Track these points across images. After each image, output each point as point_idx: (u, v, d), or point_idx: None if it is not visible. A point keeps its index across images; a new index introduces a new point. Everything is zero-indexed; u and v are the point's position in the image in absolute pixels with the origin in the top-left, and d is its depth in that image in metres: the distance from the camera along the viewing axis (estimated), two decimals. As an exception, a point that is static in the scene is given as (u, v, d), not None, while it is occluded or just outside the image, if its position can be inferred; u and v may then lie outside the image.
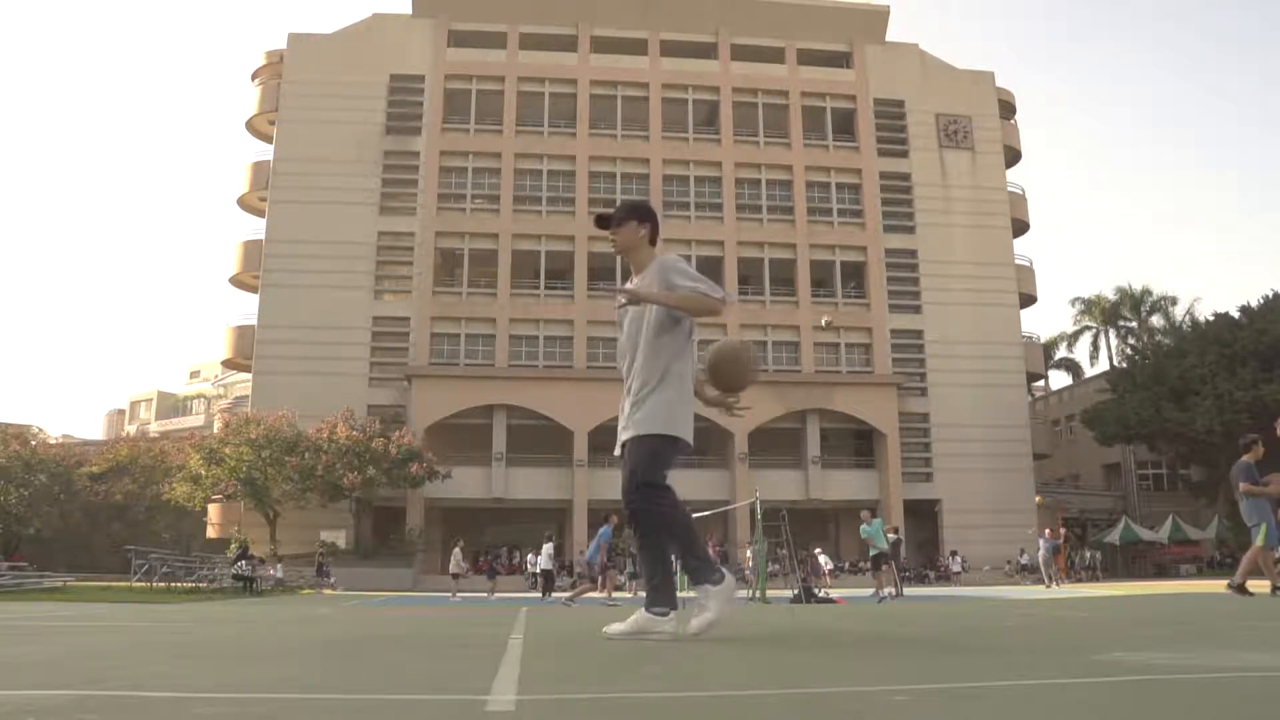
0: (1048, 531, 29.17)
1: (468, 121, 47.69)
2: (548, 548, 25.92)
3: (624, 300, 4.36)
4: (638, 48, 48.97)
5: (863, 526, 18.46)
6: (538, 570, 35.71)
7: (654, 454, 4.25)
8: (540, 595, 23.85)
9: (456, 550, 28.94)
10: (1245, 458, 11.00)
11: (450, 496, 41.37)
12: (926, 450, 45.80)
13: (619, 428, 4.43)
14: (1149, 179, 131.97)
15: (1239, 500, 10.94)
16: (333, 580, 33.92)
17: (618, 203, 4.72)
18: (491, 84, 47.77)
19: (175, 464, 42.31)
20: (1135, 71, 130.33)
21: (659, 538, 4.32)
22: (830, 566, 32.69)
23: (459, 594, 26.00)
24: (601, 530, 18.48)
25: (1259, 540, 10.52)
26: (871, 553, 17.98)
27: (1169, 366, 42.25)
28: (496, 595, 26.31)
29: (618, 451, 4.42)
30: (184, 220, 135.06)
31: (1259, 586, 10.70)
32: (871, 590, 22.77)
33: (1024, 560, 39.52)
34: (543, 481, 42.87)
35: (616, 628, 4.31)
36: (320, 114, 45.59)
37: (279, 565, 32.14)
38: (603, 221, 4.60)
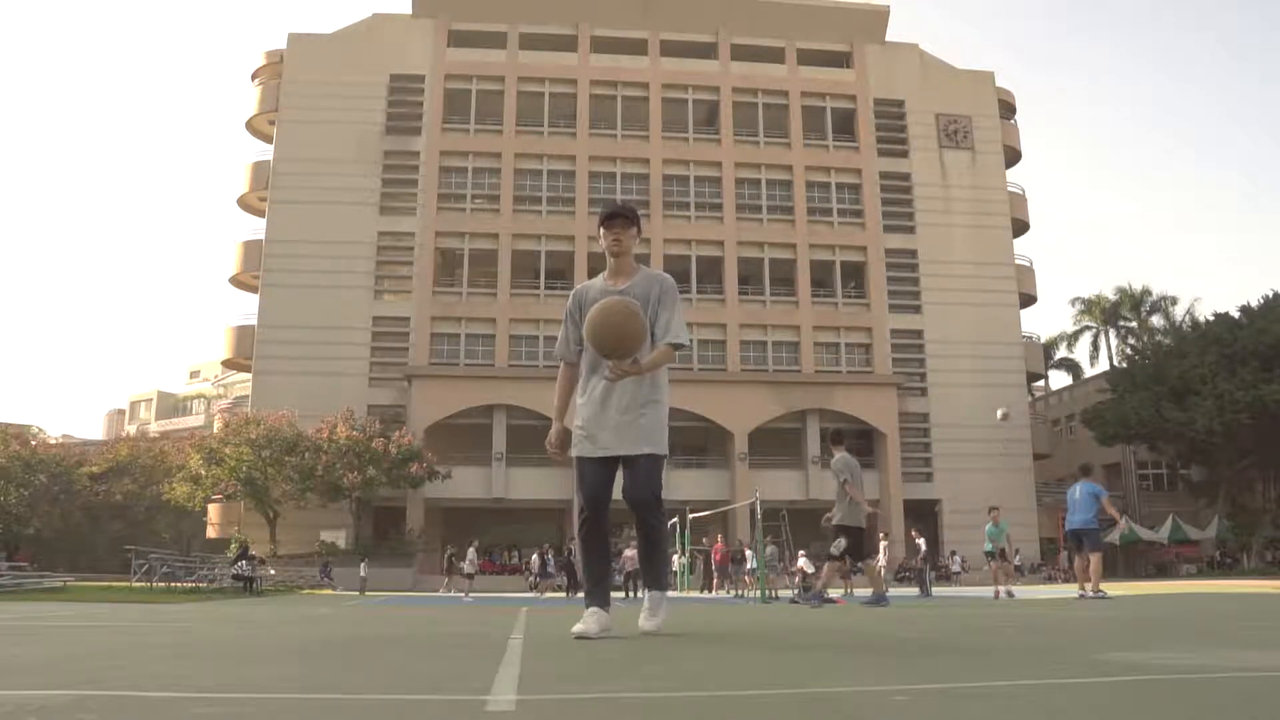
0: (913, 532, 28.31)
1: (468, 121, 47.69)
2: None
3: (616, 375, 4.33)
4: (638, 48, 48.96)
5: (989, 526, 17.81)
6: (538, 571, 35.65)
7: (661, 473, 4.50)
8: (567, 594, 24.32)
9: (471, 550, 28.77)
10: (845, 453, 10.89)
11: (450, 496, 41.38)
12: (926, 450, 45.78)
13: (597, 425, 4.49)
14: (1149, 179, 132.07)
15: (844, 494, 10.75)
16: (332, 581, 33.95)
17: (618, 202, 4.78)
18: (491, 84, 47.77)
19: (175, 464, 42.33)
20: (1135, 71, 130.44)
21: (663, 546, 4.70)
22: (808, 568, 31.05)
23: (470, 594, 25.70)
24: (992, 528, 16.97)
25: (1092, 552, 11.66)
26: (986, 547, 17.81)
27: (1169, 366, 42.22)
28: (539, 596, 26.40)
29: (599, 454, 4.47)
30: (184, 220, 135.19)
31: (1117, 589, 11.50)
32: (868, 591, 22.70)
33: (1017, 561, 39.55)
34: (543, 481, 42.80)
35: (648, 624, 4.47)
36: (320, 114, 45.59)
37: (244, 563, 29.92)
38: (617, 217, 4.59)
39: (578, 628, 4.26)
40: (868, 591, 21.99)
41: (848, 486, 10.50)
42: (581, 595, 4.70)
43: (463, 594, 25.88)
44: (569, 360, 4.73)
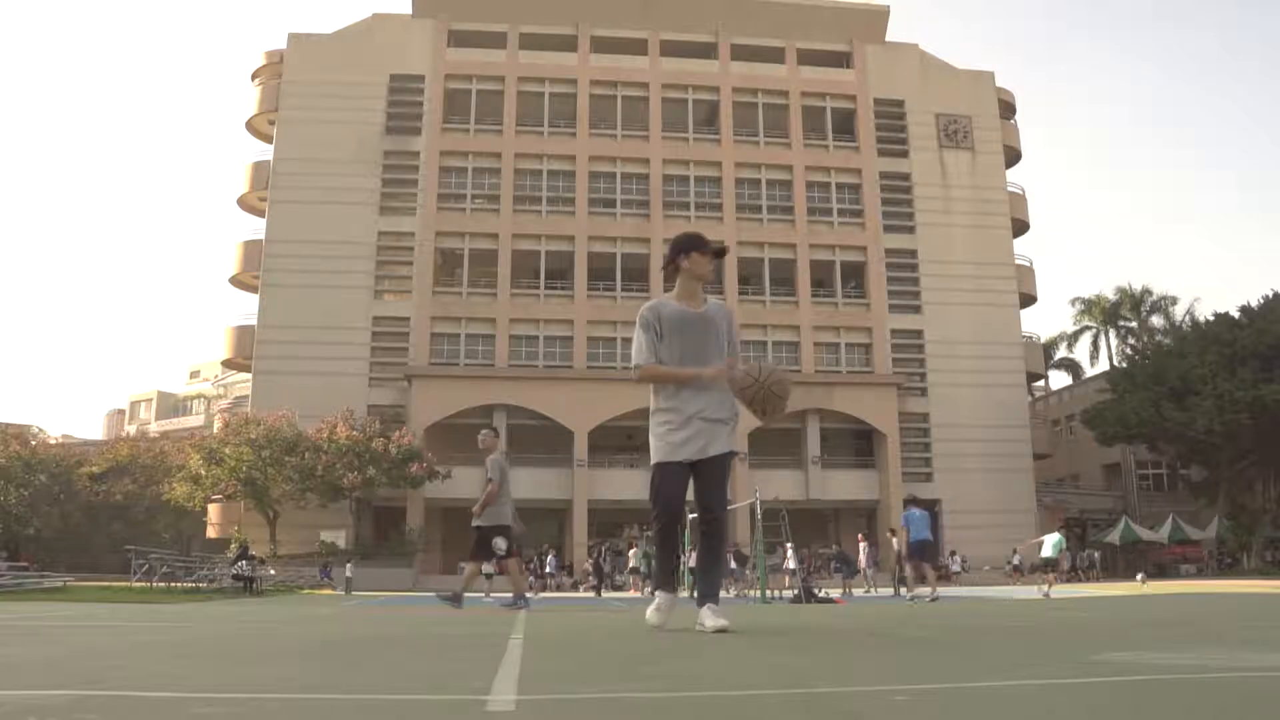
0: (860, 536, 29.70)
1: (468, 121, 47.68)
2: (637, 547, 27.92)
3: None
4: (638, 48, 48.94)
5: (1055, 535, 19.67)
6: (552, 570, 35.87)
7: (730, 474, 4.97)
8: (597, 593, 25.36)
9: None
10: (499, 455, 10.99)
11: (450, 496, 41.27)
12: (926, 450, 45.77)
13: (706, 423, 4.72)
14: (1149, 179, 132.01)
15: (492, 495, 10.87)
16: (331, 581, 33.91)
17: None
18: (491, 84, 47.76)
19: (175, 464, 42.29)
20: (1135, 71, 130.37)
21: (724, 554, 5.05)
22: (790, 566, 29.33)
23: (492, 594, 25.60)
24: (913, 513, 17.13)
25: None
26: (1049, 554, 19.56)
27: (1169, 366, 42.21)
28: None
29: (711, 453, 4.71)
30: (184, 220, 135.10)
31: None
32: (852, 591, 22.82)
33: (1015, 561, 39.64)
34: (543, 481, 42.76)
35: (716, 622, 4.59)
36: (320, 114, 45.57)
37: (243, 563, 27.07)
38: (715, 249, 4.99)
39: (651, 613, 4.83)
40: (845, 592, 22.08)
41: (491, 486, 10.74)
42: (605, 595, 5.19)
43: (483, 594, 25.64)
44: (648, 366, 4.79)
